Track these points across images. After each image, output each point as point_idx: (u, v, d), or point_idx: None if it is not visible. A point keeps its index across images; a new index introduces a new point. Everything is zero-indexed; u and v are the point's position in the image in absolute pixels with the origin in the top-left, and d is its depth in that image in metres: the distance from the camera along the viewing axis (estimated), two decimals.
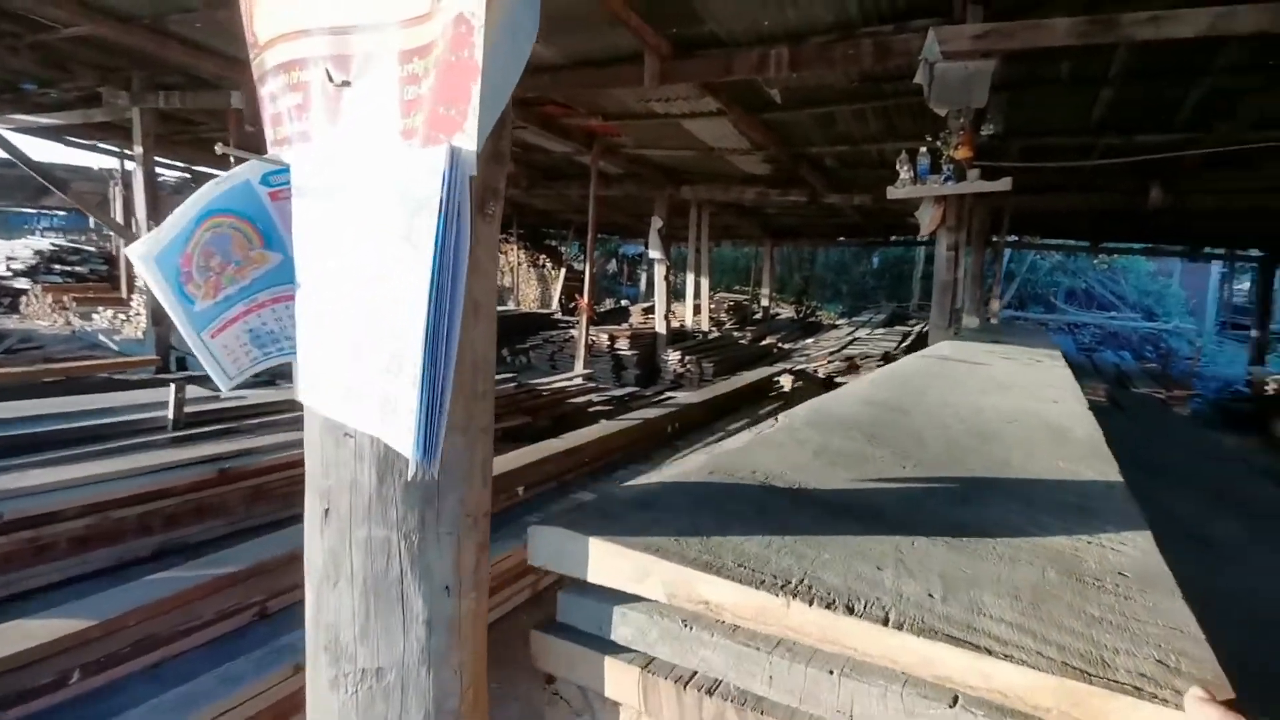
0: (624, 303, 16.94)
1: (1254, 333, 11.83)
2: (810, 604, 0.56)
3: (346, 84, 0.51)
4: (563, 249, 16.19)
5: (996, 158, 7.56)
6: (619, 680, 0.63)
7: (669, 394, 8.15)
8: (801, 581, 0.59)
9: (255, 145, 0.71)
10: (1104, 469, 1.10)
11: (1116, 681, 0.47)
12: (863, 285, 18.13)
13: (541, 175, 10.45)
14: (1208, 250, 14.28)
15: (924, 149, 4.55)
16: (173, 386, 4.43)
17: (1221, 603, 2.20)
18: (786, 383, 8.39)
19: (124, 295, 10.99)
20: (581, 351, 8.02)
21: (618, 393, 8.02)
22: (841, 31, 4.78)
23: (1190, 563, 2.52)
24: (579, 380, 7.34)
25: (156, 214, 7.26)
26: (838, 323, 14.29)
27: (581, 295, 9.26)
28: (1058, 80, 5.52)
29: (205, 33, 5.62)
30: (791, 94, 6.19)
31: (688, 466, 0.89)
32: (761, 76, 5.10)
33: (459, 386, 0.61)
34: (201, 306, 0.64)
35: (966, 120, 4.42)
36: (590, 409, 7.04)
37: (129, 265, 9.69)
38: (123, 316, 10.28)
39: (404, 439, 0.48)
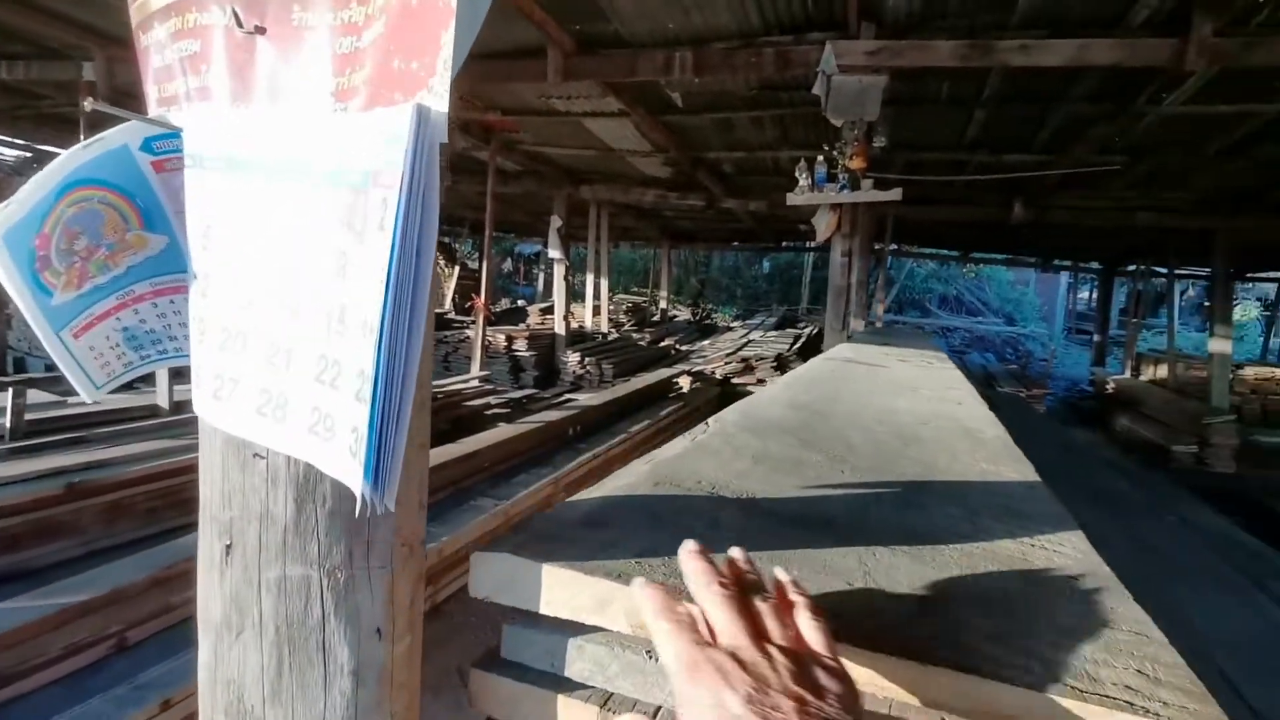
0: (520, 303, 16.66)
1: (1095, 336, 13.17)
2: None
3: (260, 30, 0.41)
4: (457, 246, 15.71)
5: (883, 169, 7.98)
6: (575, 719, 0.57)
7: (569, 396, 8.06)
8: None
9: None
10: (1022, 470, 1.14)
11: (1104, 696, 0.46)
12: (756, 289, 18.76)
13: None
14: (1057, 262, 15.78)
15: (821, 158, 4.72)
16: (10, 391, 3.89)
17: None
18: (685, 384, 8.50)
19: None
20: (478, 353, 7.78)
21: (516, 395, 7.85)
22: (744, 39, 4.87)
23: None
24: (475, 382, 7.11)
25: None
26: (732, 325, 14.67)
27: (477, 295, 8.99)
28: (939, 100, 5.88)
29: None
30: (693, 98, 6.27)
31: (631, 479, 0.83)
32: (665, 79, 5.12)
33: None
34: (61, 299, 0.51)
35: (860, 132, 4.62)
36: (488, 412, 6.84)
37: None
38: None
39: (343, 464, 0.39)
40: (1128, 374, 11.50)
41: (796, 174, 4.73)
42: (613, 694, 0.57)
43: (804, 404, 1.52)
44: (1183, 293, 19.70)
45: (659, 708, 0.56)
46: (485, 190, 8.04)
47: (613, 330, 11.88)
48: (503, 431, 5.28)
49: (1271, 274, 12.79)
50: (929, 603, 0.58)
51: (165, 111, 0.50)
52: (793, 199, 4.75)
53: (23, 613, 2.41)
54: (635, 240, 15.28)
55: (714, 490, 0.82)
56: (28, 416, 3.96)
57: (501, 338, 9.50)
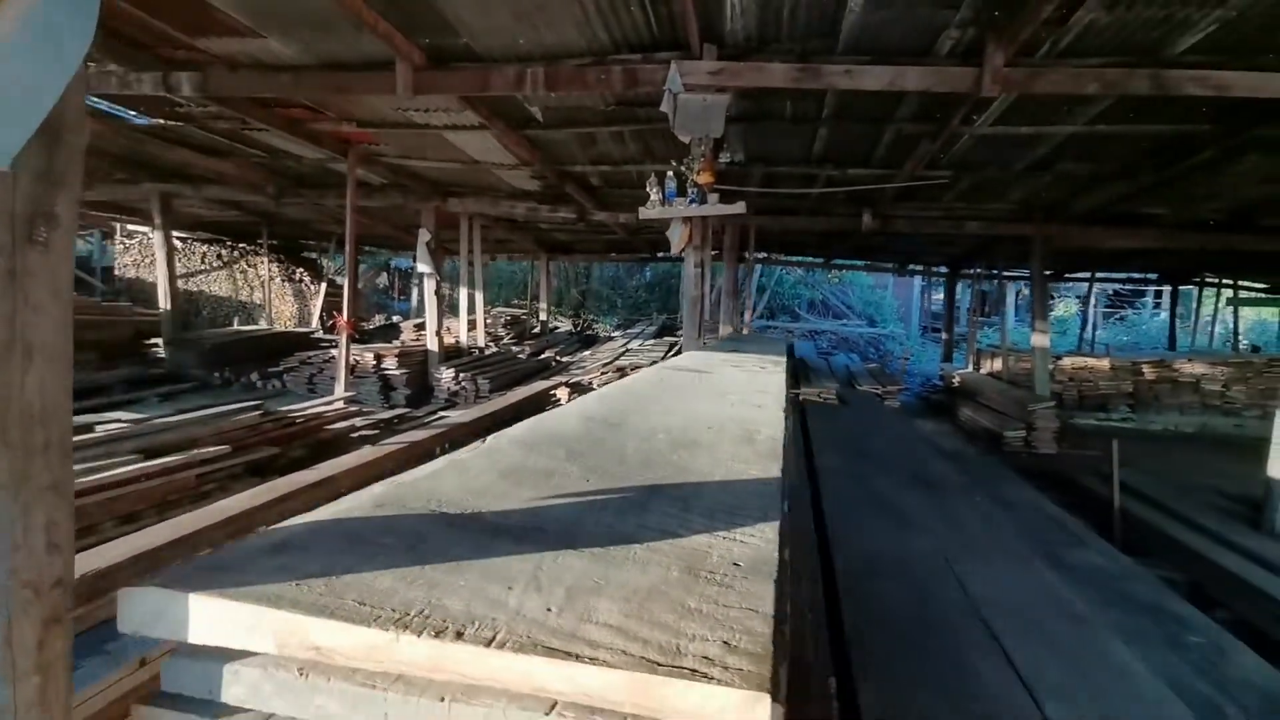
0: (396, 319, 16.10)
1: (944, 335, 14.36)
2: (420, 635, 0.56)
3: None
4: (323, 262, 14.98)
5: (741, 182, 8.36)
6: None
7: (442, 413, 7.88)
8: (420, 612, 0.59)
9: None
10: (769, 467, 1.25)
11: (679, 668, 0.53)
12: (636, 299, 19.08)
13: (293, 183, 9.57)
14: (910, 266, 17.09)
15: (671, 173, 4.89)
16: None
17: (908, 561, 2.61)
18: (563, 395, 8.51)
19: None
20: (342, 373, 7.46)
21: (385, 415, 7.59)
22: (594, 57, 4.97)
23: (886, 530, 2.93)
24: (339, 404, 6.81)
25: None
26: (614, 335, 14.83)
27: (340, 312, 8.62)
28: (784, 118, 6.24)
29: None
30: (552, 113, 6.33)
31: (354, 501, 0.85)
32: (519, 93, 5.15)
33: (4, 443, 0.53)
34: None
35: (707, 148, 4.83)
36: (352, 434, 6.58)
37: None
38: None
39: None
40: (970, 368, 12.60)
41: (648, 189, 4.89)
42: (271, 715, 0.59)
43: (601, 415, 1.59)
44: (1018, 293, 21.82)
45: None
46: (346, 204, 7.74)
47: (491, 344, 11.71)
48: (365, 454, 5.09)
49: (1084, 275, 14.45)
50: (574, 598, 0.64)
51: None
52: (644, 213, 4.90)
53: None
54: (512, 253, 15.16)
55: (439, 508, 0.85)
56: None
57: (370, 356, 9.15)
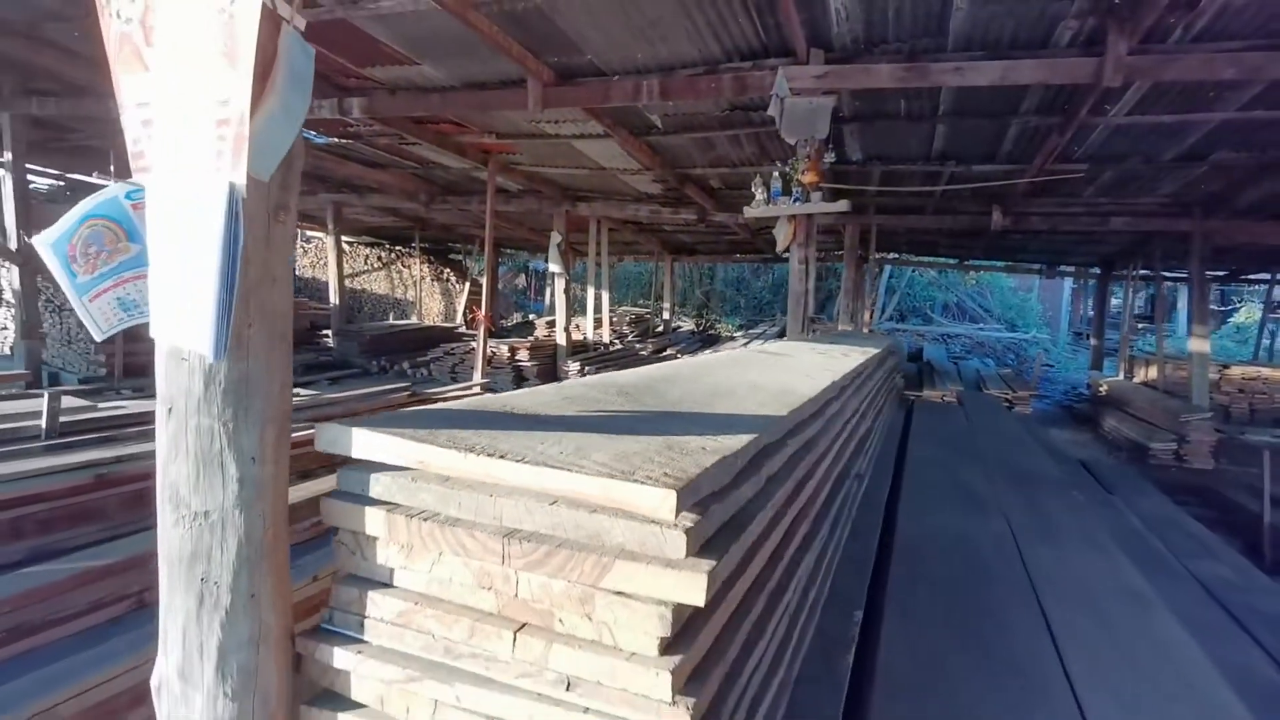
0: (531, 317, 17.14)
1: (1092, 341, 13.32)
2: (479, 456, 0.92)
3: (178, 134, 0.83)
4: (468, 263, 16.28)
5: (861, 182, 8.37)
6: (374, 521, 0.98)
7: None
8: (483, 448, 0.95)
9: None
10: (780, 410, 1.52)
11: (630, 479, 0.86)
12: (760, 299, 19.12)
13: (441, 190, 10.61)
14: (1060, 268, 15.93)
15: (776, 173, 5.11)
16: (46, 395, 4.40)
17: (974, 538, 2.73)
18: None
19: None
20: (480, 362, 8.24)
21: None
22: (706, 66, 5.29)
23: (962, 513, 3.01)
24: (476, 389, 7.55)
25: (29, 221, 7.01)
26: (735, 335, 15.02)
27: (480, 309, 9.49)
28: (898, 116, 6.25)
29: (83, 40, 5.58)
30: (671, 119, 6.70)
31: (459, 404, 1.24)
32: (636, 103, 5.56)
33: (267, 332, 0.94)
34: (82, 279, 0.93)
35: (813, 149, 5.01)
36: None
37: None
38: None
39: (203, 342, 0.81)
40: (1121, 377, 11.66)
41: (753, 189, 5.13)
42: (396, 504, 0.98)
43: (662, 375, 1.91)
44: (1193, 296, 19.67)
45: (420, 510, 0.97)
46: (494, 210, 8.55)
47: (615, 341, 12.30)
48: None
49: (1264, 275, 12.88)
50: (581, 450, 0.98)
51: (138, 174, 0.92)
52: (749, 212, 5.15)
53: (53, 573, 2.85)
54: (638, 255, 15.74)
55: (510, 409, 1.22)
56: (62, 420, 4.46)
57: (505, 349, 9.97)
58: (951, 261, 14.59)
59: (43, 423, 4.32)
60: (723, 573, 0.91)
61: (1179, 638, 1.98)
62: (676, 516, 0.83)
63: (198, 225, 0.81)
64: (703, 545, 0.90)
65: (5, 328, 9.39)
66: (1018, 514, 3.11)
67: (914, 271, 17.69)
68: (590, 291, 11.62)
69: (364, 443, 0.97)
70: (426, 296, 14.77)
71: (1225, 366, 9.78)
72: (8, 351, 9.01)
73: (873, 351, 3.85)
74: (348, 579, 1.02)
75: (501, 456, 0.91)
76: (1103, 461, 7.58)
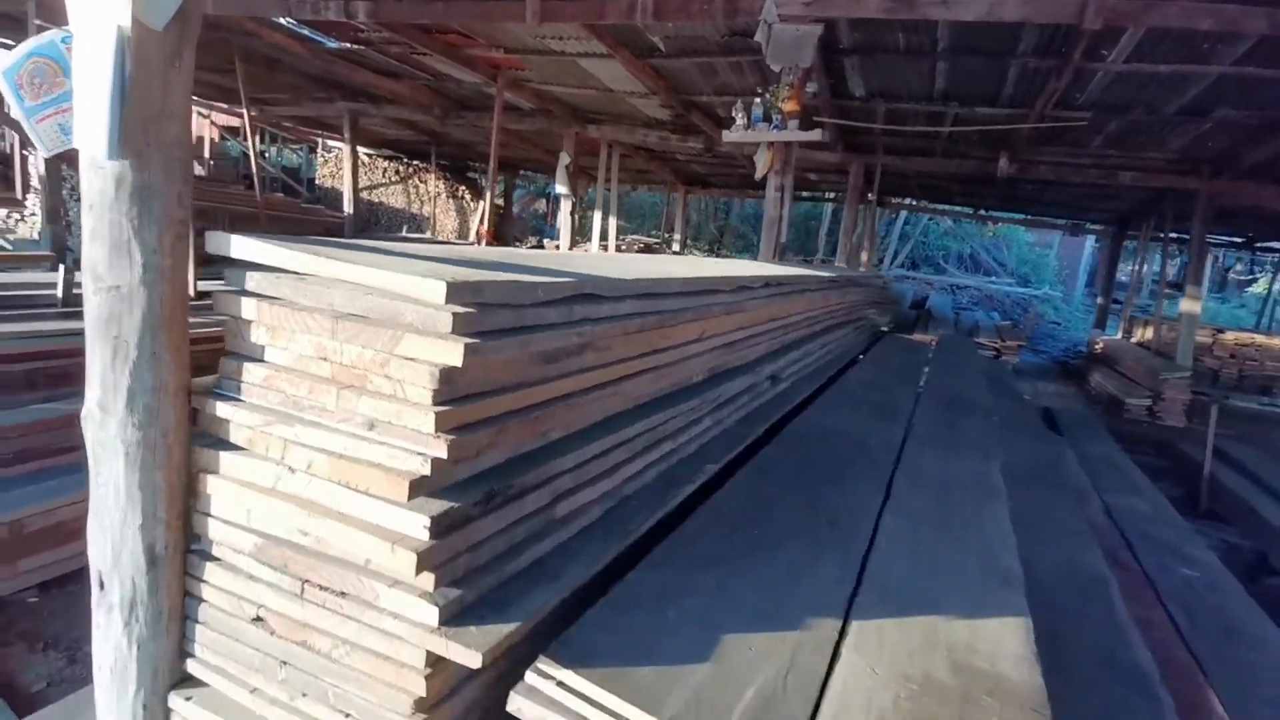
0: (545, 242, 17.32)
1: (1099, 299, 13.27)
2: (321, 259, 1.22)
3: None
4: (483, 182, 16.40)
5: (865, 119, 8.36)
6: (248, 308, 1.29)
7: None
8: (327, 254, 1.24)
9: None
10: (627, 276, 1.80)
11: (420, 275, 1.15)
12: None
13: (456, 105, 10.69)
14: (1086, 225, 15.66)
15: (758, 100, 5.22)
16: (62, 267, 4.80)
17: (867, 438, 3.02)
18: None
19: (19, 196, 10.76)
20: None
21: None
22: None
23: (868, 421, 3.27)
24: None
25: None
26: None
27: (486, 226, 9.75)
28: (897, 50, 6.24)
29: None
30: (672, 42, 6.75)
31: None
32: (630, 21, 5.63)
33: (164, 155, 1.23)
34: (29, 104, 1.22)
35: (796, 77, 5.10)
36: None
37: (23, 166, 9.56)
38: (17, 216, 10.17)
39: (100, 147, 1.10)
40: (1119, 336, 11.70)
41: (733, 113, 5.26)
42: (264, 294, 1.29)
43: (573, 255, 2.19)
44: (1216, 260, 19.27)
45: (279, 297, 1.27)
46: (502, 126, 8.67)
47: None
48: None
49: (1275, 244, 12.64)
50: (404, 265, 1.27)
51: (71, 24, 1.20)
52: (728, 136, 5.29)
53: (57, 410, 3.26)
54: (651, 184, 15.73)
55: (388, 249, 1.52)
56: (76, 290, 4.87)
57: None
58: (966, 210, 14.43)
59: (59, 292, 4.72)
60: (492, 356, 1.21)
61: (1001, 522, 2.27)
62: (445, 303, 1.12)
63: (99, 59, 1.09)
64: (482, 334, 1.20)
65: (35, 214, 9.85)
66: (923, 425, 3.39)
67: (929, 220, 17.50)
68: (596, 215, 11.77)
69: (240, 246, 1.27)
70: (441, 213, 15.00)
71: (1220, 331, 9.80)
72: (36, 236, 9.50)
73: (823, 275, 4.08)
74: (231, 354, 1.35)
75: (334, 259, 1.21)
76: (1072, 411, 7.80)
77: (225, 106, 12.98)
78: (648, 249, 14.44)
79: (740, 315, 2.64)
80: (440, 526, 1.17)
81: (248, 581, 1.32)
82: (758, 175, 5.40)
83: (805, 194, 16.52)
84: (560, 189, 10.42)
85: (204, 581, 1.37)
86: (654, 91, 8.21)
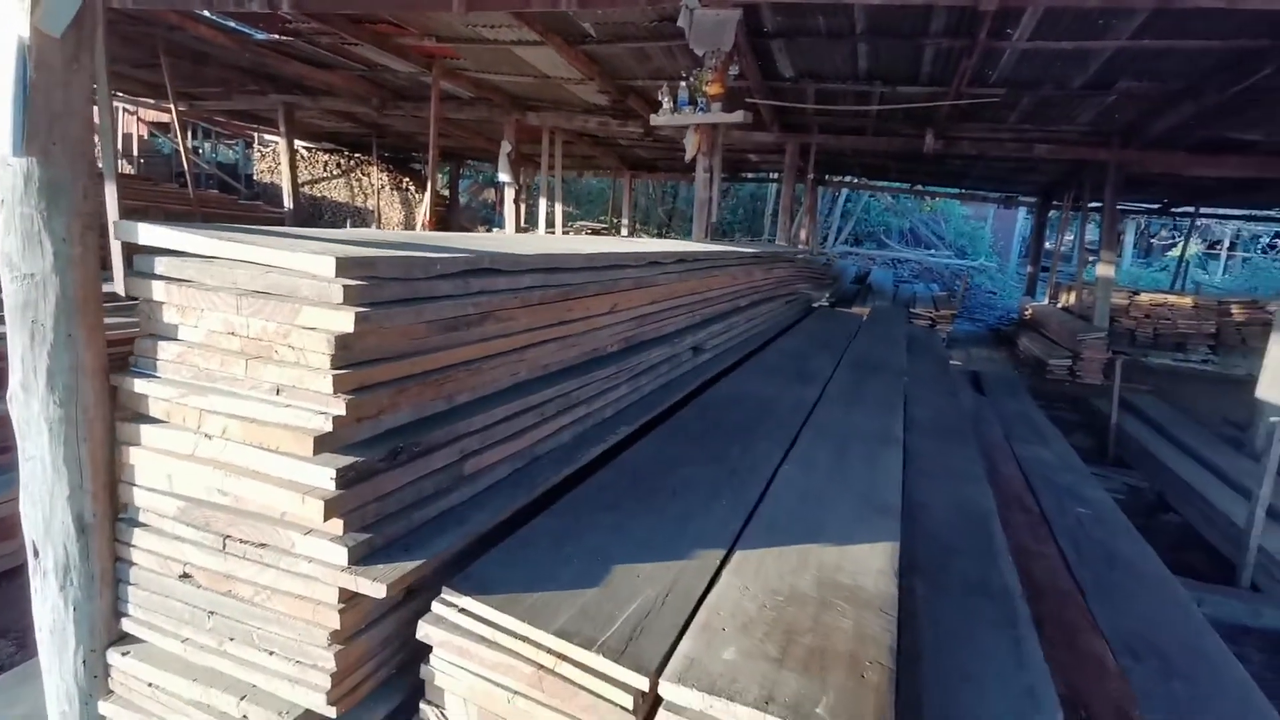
0: (495, 231, 17.24)
1: (1029, 268, 13.87)
2: (223, 241, 1.34)
3: None
4: (426, 174, 16.26)
5: (797, 99, 8.57)
6: (158, 290, 1.40)
7: None
8: (229, 237, 1.36)
9: None
10: (527, 252, 1.95)
11: (313, 252, 1.28)
12: (721, 220, 19.37)
13: (394, 96, 10.60)
14: (1019, 198, 16.27)
15: (683, 83, 5.38)
16: None
17: (778, 400, 3.22)
18: None
19: None
20: None
21: None
22: None
23: (784, 386, 3.47)
24: None
25: None
26: None
27: (431, 217, 9.72)
28: (819, 32, 6.46)
29: None
30: (604, 28, 6.84)
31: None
32: (557, 9, 5.72)
33: (70, 152, 1.33)
34: None
35: (718, 61, 5.27)
36: None
37: None
38: None
39: (6, 144, 1.20)
40: (1046, 302, 12.26)
41: (660, 96, 5.41)
42: (173, 277, 1.40)
43: (483, 235, 2.32)
44: (1141, 229, 20.22)
45: (189, 280, 1.39)
46: (440, 115, 8.65)
47: None
48: None
49: (1190, 209, 13.38)
50: (303, 246, 1.40)
51: None
52: (655, 120, 5.44)
53: None
54: (597, 169, 15.80)
55: (290, 231, 1.63)
56: None
57: None
58: (903, 186, 14.87)
59: None
60: (386, 324, 1.36)
61: (891, 465, 2.49)
62: (336, 276, 1.26)
63: (2, 65, 1.19)
64: (375, 304, 1.34)
65: None
66: (837, 388, 3.61)
67: (870, 197, 17.97)
68: (542, 202, 11.82)
69: (147, 233, 1.38)
70: (386, 206, 14.84)
71: (1135, 293, 10.37)
72: None
73: (745, 252, 4.27)
74: (146, 336, 1.46)
75: (237, 242, 1.33)
76: (998, 373, 8.22)
77: (153, 102, 12.61)
78: (595, 234, 14.53)
79: (654, 289, 2.81)
80: (346, 478, 1.32)
81: (173, 542, 1.45)
82: (687, 158, 5.57)
83: (750, 175, 16.80)
84: (503, 177, 10.44)
85: (132, 545, 1.49)
86: (590, 77, 8.30)
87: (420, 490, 1.53)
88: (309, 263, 1.28)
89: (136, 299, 1.45)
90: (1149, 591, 2.98)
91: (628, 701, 1.22)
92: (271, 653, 1.37)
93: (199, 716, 1.42)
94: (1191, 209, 13.10)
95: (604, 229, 15.17)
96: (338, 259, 1.25)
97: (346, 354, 1.30)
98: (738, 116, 5.20)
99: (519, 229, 10.78)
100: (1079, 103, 7.70)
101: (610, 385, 2.45)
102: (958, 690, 1.66)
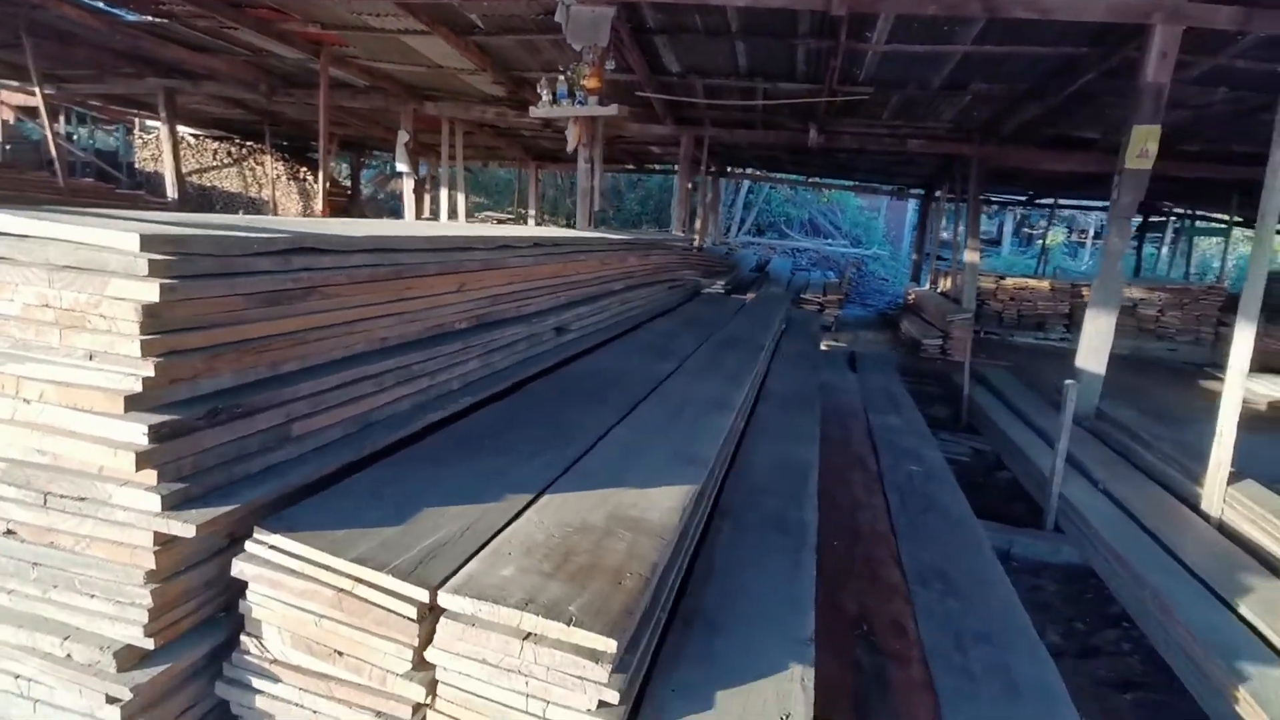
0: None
1: (913, 256, 14.82)
2: (32, 220, 1.46)
3: None
4: (328, 163, 15.80)
5: (686, 94, 8.88)
6: None
7: None
8: (60, 217, 1.48)
9: None
10: (364, 235, 2.11)
11: (122, 229, 1.42)
12: (630, 212, 19.67)
13: (283, 82, 10.31)
14: (909, 190, 17.28)
15: (561, 77, 5.58)
16: None
17: (632, 373, 3.47)
18: None
19: None
20: None
21: None
22: None
23: (645, 362, 3.73)
24: None
25: None
26: None
27: (327, 207, 9.57)
28: (698, 30, 6.77)
29: None
30: (490, 20, 6.94)
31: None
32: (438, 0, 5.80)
33: None
34: None
35: (595, 56, 5.49)
36: None
37: None
38: None
39: None
40: (927, 287, 13.14)
41: (539, 89, 5.59)
42: (4, 257, 1.50)
43: (338, 221, 2.46)
44: (1020, 219, 21.78)
45: None
46: (334, 104, 8.50)
47: None
48: None
49: (1049, 201, 14.63)
50: (121, 226, 1.53)
51: None
52: (535, 112, 5.62)
53: None
54: (502, 160, 15.78)
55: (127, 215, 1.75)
56: None
57: None
58: (798, 178, 15.56)
59: None
60: (195, 295, 1.51)
61: (715, 425, 2.79)
62: (141, 251, 1.41)
63: None
64: (184, 277, 1.49)
65: None
66: (694, 363, 3.91)
67: (770, 188, 18.67)
68: (444, 193, 11.76)
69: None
70: (283, 195, 14.36)
71: (1001, 278, 11.27)
72: None
73: (614, 238, 4.52)
74: None
75: (47, 221, 1.46)
76: (873, 353, 8.83)
77: (17, 85, 11.78)
78: (500, 223, 14.53)
79: (505, 271, 3.01)
80: (160, 434, 1.47)
81: None
82: (569, 149, 5.77)
83: (658, 167, 17.15)
84: (401, 167, 10.36)
85: None
86: (483, 68, 8.36)
87: (244, 447, 1.69)
88: (115, 239, 1.42)
89: None
90: (951, 532, 3.42)
91: (412, 613, 1.43)
92: (93, 595, 1.51)
93: (26, 659, 1.53)
94: (1051, 200, 14.34)
95: (510, 219, 15.19)
96: (142, 235, 1.40)
97: (155, 322, 1.45)
98: (613, 110, 5.44)
99: (419, 219, 10.71)
100: (941, 101, 8.35)
101: (457, 361, 2.64)
102: (735, 599, 1.95)
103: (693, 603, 1.91)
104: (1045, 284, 11.22)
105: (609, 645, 1.34)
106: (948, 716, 2.07)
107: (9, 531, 1.56)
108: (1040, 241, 17.31)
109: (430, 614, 1.46)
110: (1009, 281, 11.27)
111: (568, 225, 18.03)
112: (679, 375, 3.55)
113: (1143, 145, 4.87)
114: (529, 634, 1.39)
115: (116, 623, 1.49)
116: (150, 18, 7.72)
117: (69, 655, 1.51)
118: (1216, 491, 3.82)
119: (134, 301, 1.43)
